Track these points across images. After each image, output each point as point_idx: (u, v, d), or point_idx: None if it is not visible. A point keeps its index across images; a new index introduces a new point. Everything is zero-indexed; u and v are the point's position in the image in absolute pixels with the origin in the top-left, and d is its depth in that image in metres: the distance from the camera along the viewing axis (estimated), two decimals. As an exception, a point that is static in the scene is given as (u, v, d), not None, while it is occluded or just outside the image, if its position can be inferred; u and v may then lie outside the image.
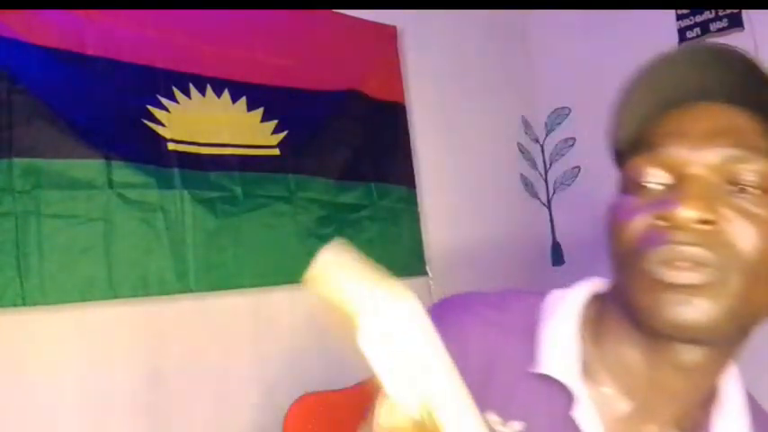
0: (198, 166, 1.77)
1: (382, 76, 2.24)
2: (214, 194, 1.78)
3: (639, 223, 0.50)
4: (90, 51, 1.65)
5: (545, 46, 2.76)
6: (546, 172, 2.74)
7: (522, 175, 2.68)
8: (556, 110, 2.70)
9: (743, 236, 0.48)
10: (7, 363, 1.47)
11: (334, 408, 1.50)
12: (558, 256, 2.68)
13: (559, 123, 2.70)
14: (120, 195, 1.63)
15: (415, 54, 2.35)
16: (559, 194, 2.70)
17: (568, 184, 2.68)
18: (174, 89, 1.78)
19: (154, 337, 1.67)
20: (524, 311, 0.60)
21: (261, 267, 1.84)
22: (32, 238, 1.49)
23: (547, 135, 2.74)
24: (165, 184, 1.70)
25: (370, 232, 2.07)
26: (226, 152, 1.83)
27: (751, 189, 0.49)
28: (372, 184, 2.10)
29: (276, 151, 1.92)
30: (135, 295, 1.63)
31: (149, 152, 1.70)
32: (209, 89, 1.84)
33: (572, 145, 2.67)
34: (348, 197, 2.02)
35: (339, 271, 0.27)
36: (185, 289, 1.69)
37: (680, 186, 0.49)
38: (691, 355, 0.51)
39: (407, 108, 2.28)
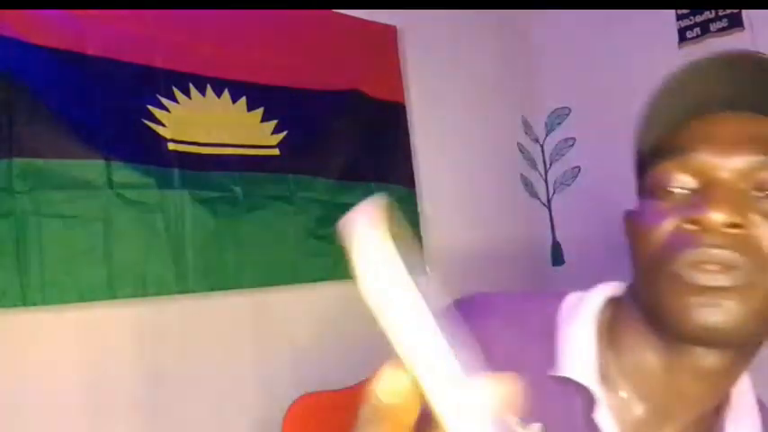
0: (198, 167, 1.77)
1: (382, 76, 2.24)
2: (214, 194, 1.79)
3: (668, 227, 0.51)
4: (90, 51, 1.65)
5: (545, 46, 2.76)
6: (546, 172, 2.74)
7: (522, 175, 2.68)
8: (556, 110, 2.70)
9: None
10: (7, 363, 1.47)
11: (334, 408, 1.50)
12: (558, 256, 2.68)
13: (559, 123, 2.70)
14: (119, 195, 1.63)
15: (415, 54, 2.35)
16: (559, 194, 2.70)
17: (568, 184, 2.68)
18: (174, 89, 1.78)
19: (153, 338, 1.67)
20: (543, 314, 0.60)
21: (261, 267, 1.84)
22: (32, 239, 1.49)
23: (547, 135, 2.74)
24: (165, 184, 1.70)
25: (370, 232, 2.07)
26: (226, 152, 1.83)
27: None
28: (372, 184, 2.10)
29: (276, 151, 1.92)
30: (135, 295, 1.63)
31: (149, 152, 1.70)
32: (209, 89, 1.84)
33: (572, 145, 2.67)
34: (348, 197, 2.02)
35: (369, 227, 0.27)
36: (185, 289, 1.69)
37: (707, 191, 0.50)
38: (710, 359, 0.52)
39: (407, 108, 2.29)
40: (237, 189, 1.82)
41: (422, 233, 2.22)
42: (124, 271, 1.61)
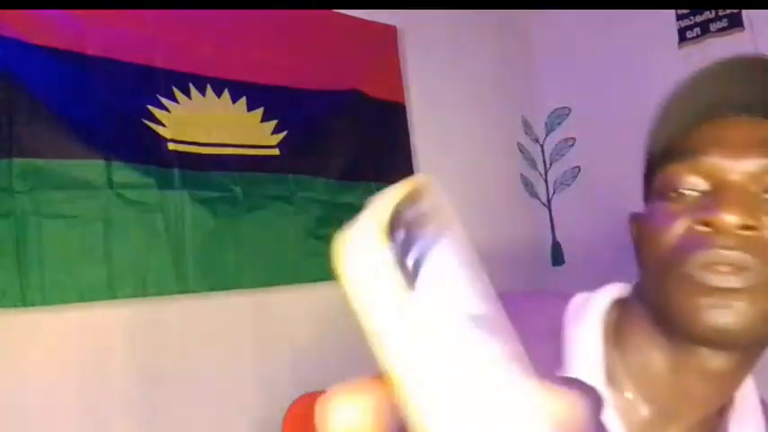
0: (198, 167, 1.77)
1: (382, 76, 2.24)
2: (214, 194, 1.79)
3: (679, 228, 0.51)
4: (90, 51, 1.65)
5: (545, 46, 2.76)
6: (546, 172, 2.74)
7: (522, 175, 2.68)
8: (556, 110, 2.70)
9: None
10: (7, 363, 1.47)
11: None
12: (558, 256, 2.68)
13: (559, 123, 2.70)
14: (119, 195, 1.63)
15: (415, 54, 2.35)
16: (559, 194, 2.71)
17: (568, 184, 2.68)
18: (174, 89, 1.78)
19: (153, 338, 1.67)
20: (549, 314, 0.60)
21: (260, 267, 1.84)
22: (32, 239, 1.49)
23: (547, 135, 2.74)
24: (165, 184, 1.70)
25: (370, 232, 2.07)
26: (226, 152, 1.83)
27: None
28: (372, 184, 2.10)
29: (276, 151, 1.92)
30: (134, 295, 1.63)
31: (149, 152, 1.70)
32: (209, 89, 1.84)
33: (572, 145, 2.67)
34: (348, 197, 2.02)
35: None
36: (185, 289, 1.69)
37: (719, 193, 0.50)
38: (717, 361, 0.52)
39: (407, 108, 2.29)
40: (237, 189, 1.82)
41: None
42: (124, 271, 1.61)
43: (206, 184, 1.77)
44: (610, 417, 0.54)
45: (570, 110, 2.67)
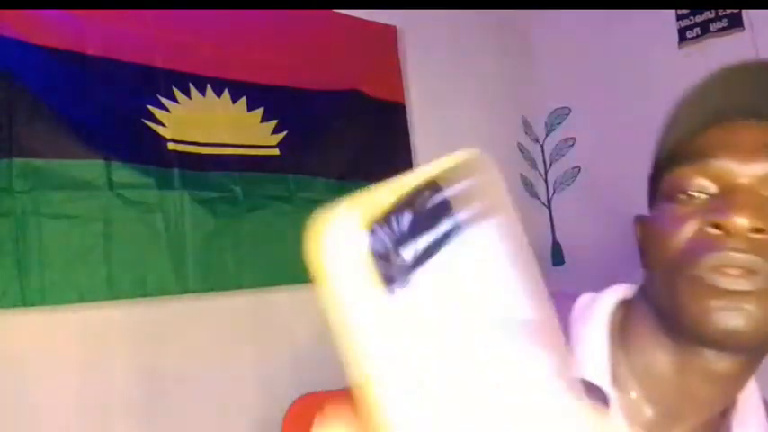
0: (198, 167, 1.77)
1: (382, 76, 2.24)
2: (214, 195, 1.79)
3: (688, 231, 0.51)
4: (90, 51, 1.65)
5: (545, 46, 2.76)
6: (546, 172, 2.74)
7: (522, 175, 2.68)
8: (556, 110, 2.70)
9: None
10: (7, 363, 1.47)
11: (334, 408, 1.50)
12: (558, 256, 2.68)
13: (559, 123, 2.70)
14: (119, 196, 1.63)
15: (415, 54, 2.35)
16: (559, 194, 2.71)
17: (568, 184, 2.68)
18: (174, 89, 1.78)
19: (153, 338, 1.67)
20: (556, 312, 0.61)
21: (260, 268, 1.84)
22: (32, 239, 1.49)
23: (547, 135, 2.74)
24: (165, 184, 1.70)
25: (370, 232, 2.07)
26: (226, 152, 1.83)
27: None
28: (372, 184, 2.10)
29: (276, 151, 1.92)
30: (134, 296, 1.63)
31: (149, 152, 1.70)
32: (209, 89, 1.84)
33: (572, 145, 2.67)
34: (348, 197, 2.02)
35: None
36: (184, 289, 1.69)
37: (729, 196, 0.51)
38: (722, 363, 0.52)
39: (407, 108, 2.29)
40: (237, 189, 1.82)
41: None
42: (124, 271, 1.61)
43: (206, 184, 1.77)
44: (615, 416, 0.54)
45: (570, 110, 2.67)
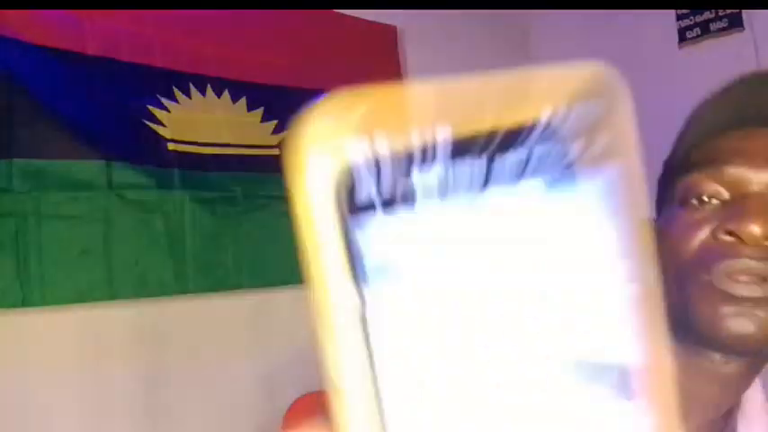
0: (198, 167, 1.77)
1: (382, 76, 2.23)
2: (214, 195, 1.79)
3: (701, 237, 0.52)
4: (90, 51, 1.65)
5: (545, 46, 2.76)
6: (546, 172, 2.74)
7: (522, 175, 2.68)
8: (556, 110, 2.70)
9: None
10: (7, 363, 1.47)
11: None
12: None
13: (559, 123, 2.70)
14: (119, 196, 1.63)
15: (415, 54, 2.35)
16: (559, 194, 2.71)
17: (568, 185, 2.68)
18: (174, 89, 1.78)
19: (153, 338, 1.67)
20: None
21: (260, 268, 1.84)
22: (32, 239, 1.49)
23: (547, 135, 2.74)
24: (165, 184, 1.70)
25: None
26: (226, 152, 1.83)
27: None
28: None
29: (276, 151, 1.92)
30: (135, 295, 1.63)
31: (149, 152, 1.70)
32: (209, 89, 1.84)
33: (572, 145, 2.67)
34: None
35: None
36: (185, 289, 1.69)
37: (743, 203, 0.51)
38: (730, 366, 0.52)
39: (407, 108, 2.28)
40: (237, 189, 1.82)
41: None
42: (124, 271, 1.61)
43: (206, 184, 1.77)
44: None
45: (570, 110, 2.67)
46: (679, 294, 0.52)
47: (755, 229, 0.48)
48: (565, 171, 0.17)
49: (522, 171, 0.17)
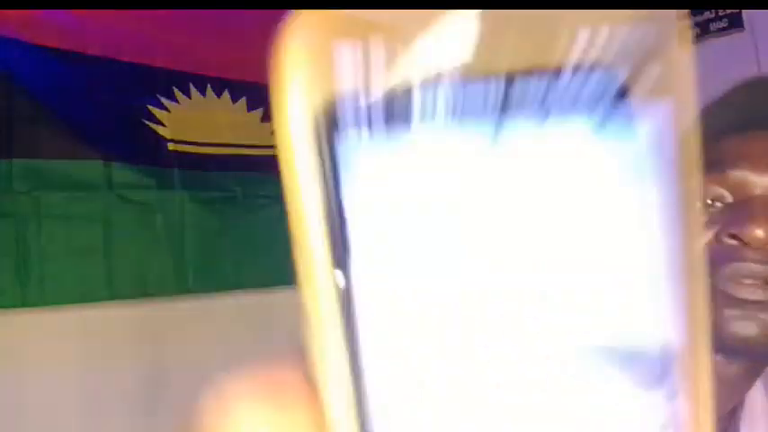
0: (198, 167, 1.77)
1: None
2: (214, 195, 1.79)
3: (705, 240, 0.52)
4: (90, 51, 1.65)
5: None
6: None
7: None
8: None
9: None
10: (7, 363, 1.47)
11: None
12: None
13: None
14: (119, 196, 1.63)
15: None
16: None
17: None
18: (174, 89, 1.78)
19: (153, 338, 1.67)
20: None
21: (260, 268, 1.84)
22: (32, 240, 1.49)
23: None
24: (165, 184, 1.70)
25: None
26: (226, 152, 1.83)
27: None
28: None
29: (276, 151, 1.92)
30: (135, 295, 1.63)
31: (149, 152, 1.70)
32: (209, 89, 1.84)
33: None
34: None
35: None
36: (184, 290, 1.69)
37: (747, 207, 0.51)
38: (731, 368, 0.53)
39: (407, 108, 2.29)
40: (237, 189, 1.82)
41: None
42: (124, 271, 1.61)
43: (206, 184, 1.77)
44: None
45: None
46: None
47: (759, 232, 0.49)
48: (605, 109, 0.14)
49: (551, 105, 0.14)
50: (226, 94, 1.87)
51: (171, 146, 1.74)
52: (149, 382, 1.64)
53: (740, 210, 0.51)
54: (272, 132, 0.16)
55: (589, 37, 0.14)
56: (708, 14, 2.32)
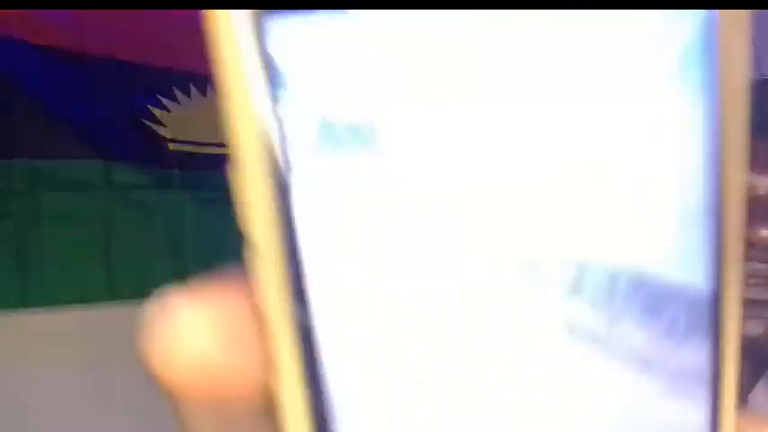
0: (198, 167, 1.77)
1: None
2: (214, 195, 1.78)
3: None
4: (90, 51, 1.65)
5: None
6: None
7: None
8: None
9: None
10: (7, 363, 1.47)
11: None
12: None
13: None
14: (119, 196, 1.63)
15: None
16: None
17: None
18: (174, 89, 1.78)
19: (154, 338, 1.67)
20: None
21: (261, 268, 1.84)
22: (32, 239, 1.49)
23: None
24: (165, 184, 1.70)
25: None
26: (226, 152, 1.83)
27: None
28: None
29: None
30: (134, 296, 1.62)
31: (149, 152, 1.70)
32: (209, 89, 1.84)
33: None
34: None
35: None
36: (185, 289, 1.69)
37: (749, 207, 0.50)
38: None
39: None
40: (237, 189, 1.82)
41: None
42: (124, 271, 1.61)
43: (206, 184, 1.77)
44: None
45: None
46: None
47: (764, 232, 0.49)
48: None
49: None
50: (226, 94, 1.87)
51: (171, 146, 1.73)
52: (149, 381, 1.64)
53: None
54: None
55: None
56: (708, 14, 2.32)
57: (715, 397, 0.14)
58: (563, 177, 0.12)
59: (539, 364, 0.13)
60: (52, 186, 1.54)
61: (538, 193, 0.12)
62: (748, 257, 0.50)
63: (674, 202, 0.13)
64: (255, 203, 0.14)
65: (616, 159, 0.12)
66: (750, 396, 0.59)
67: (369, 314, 0.12)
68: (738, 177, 0.14)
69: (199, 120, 1.82)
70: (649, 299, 0.13)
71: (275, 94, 0.12)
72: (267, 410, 0.14)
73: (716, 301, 0.14)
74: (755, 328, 0.49)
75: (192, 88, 1.83)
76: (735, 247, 0.14)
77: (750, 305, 0.50)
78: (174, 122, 1.76)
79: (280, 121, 0.12)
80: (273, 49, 0.12)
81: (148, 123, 1.72)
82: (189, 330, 0.15)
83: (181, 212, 1.71)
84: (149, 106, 1.73)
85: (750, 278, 0.50)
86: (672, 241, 0.13)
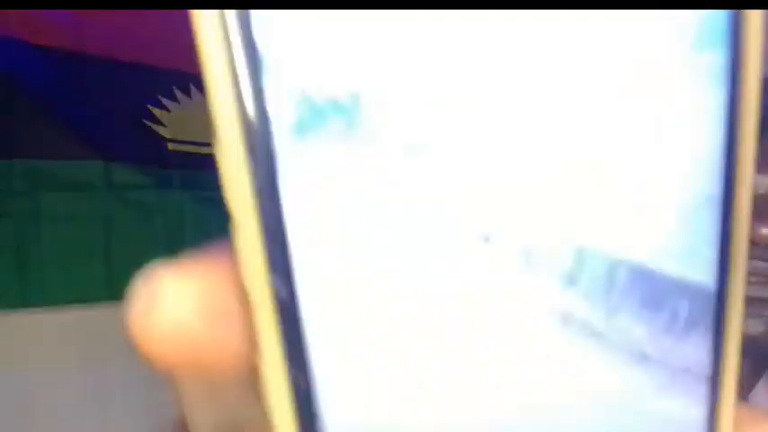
0: (198, 167, 1.77)
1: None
2: (214, 195, 1.78)
3: None
4: (90, 51, 1.65)
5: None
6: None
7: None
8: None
9: None
10: (7, 363, 1.47)
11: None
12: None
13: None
14: (119, 196, 1.63)
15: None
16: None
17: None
18: (174, 89, 1.78)
19: (154, 338, 1.67)
20: None
21: (261, 267, 1.84)
22: (32, 239, 1.49)
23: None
24: (165, 184, 1.70)
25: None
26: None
27: None
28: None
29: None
30: (135, 296, 1.63)
31: (149, 152, 1.70)
32: (209, 89, 1.85)
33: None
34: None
35: None
36: (185, 289, 1.69)
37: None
38: None
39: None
40: (237, 189, 1.82)
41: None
42: (124, 271, 1.61)
43: (206, 184, 1.77)
44: None
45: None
46: None
47: (764, 230, 0.49)
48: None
49: None
50: (226, 94, 1.87)
51: (171, 146, 1.74)
52: (150, 381, 1.64)
53: None
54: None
55: None
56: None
57: (714, 393, 0.14)
58: (564, 164, 0.11)
59: (533, 356, 0.12)
60: (52, 186, 1.54)
61: (535, 177, 0.11)
62: (749, 256, 0.50)
63: (680, 194, 0.12)
64: (235, 179, 0.14)
65: (621, 149, 0.12)
66: (750, 395, 0.59)
67: (356, 294, 0.12)
68: (748, 172, 0.13)
69: (199, 120, 1.82)
70: (650, 292, 0.12)
71: (254, 71, 0.13)
72: (253, 382, 0.14)
73: (719, 297, 0.14)
74: (756, 327, 0.49)
75: (192, 88, 1.83)
76: (741, 243, 0.14)
77: (750, 303, 0.50)
78: (174, 122, 1.76)
79: (260, 96, 0.13)
80: (254, 28, 0.12)
81: (148, 123, 1.72)
82: (169, 299, 0.15)
83: (181, 212, 1.72)
84: (149, 106, 1.73)
85: (750, 276, 0.49)
86: (676, 234, 0.13)
